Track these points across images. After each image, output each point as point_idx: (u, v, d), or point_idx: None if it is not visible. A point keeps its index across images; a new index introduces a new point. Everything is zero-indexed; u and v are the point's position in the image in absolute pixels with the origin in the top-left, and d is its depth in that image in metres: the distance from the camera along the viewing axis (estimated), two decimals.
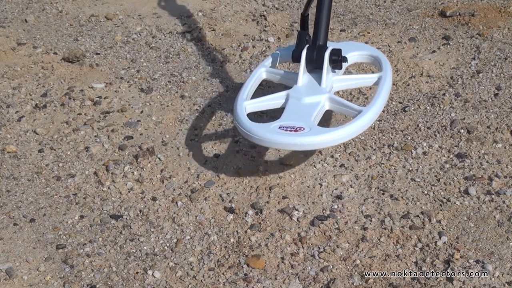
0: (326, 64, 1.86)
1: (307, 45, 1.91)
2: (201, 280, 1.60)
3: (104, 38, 2.67)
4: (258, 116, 2.13)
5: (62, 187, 1.92)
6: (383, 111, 2.14)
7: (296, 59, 1.91)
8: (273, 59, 2.02)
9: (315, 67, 1.90)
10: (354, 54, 2.01)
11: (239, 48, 2.56)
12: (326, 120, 2.10)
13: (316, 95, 1.82)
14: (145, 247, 1.70)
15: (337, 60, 1.88)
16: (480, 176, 1.85)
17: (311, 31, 1.99)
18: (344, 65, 1.95)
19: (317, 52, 1.88)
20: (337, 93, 2.19)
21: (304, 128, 1.71)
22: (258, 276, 1.60)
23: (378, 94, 1.81)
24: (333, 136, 1.69)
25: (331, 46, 1.90)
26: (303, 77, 1.88)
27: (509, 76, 2.26)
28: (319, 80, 1.87)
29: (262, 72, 1.99)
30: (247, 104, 1.85)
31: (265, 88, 2.27)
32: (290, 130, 1.70)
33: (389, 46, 2.48)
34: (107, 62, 2.51)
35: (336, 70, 1.93)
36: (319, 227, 1.72)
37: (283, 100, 1.86)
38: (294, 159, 1.94)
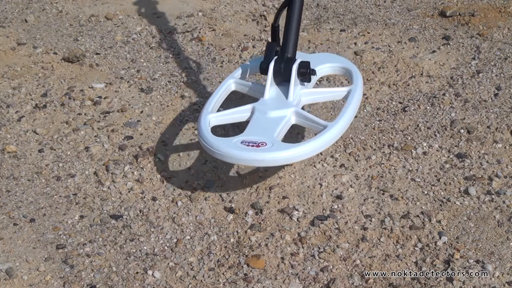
0: (294, 77, 1.81)
1: (275, 57, 1.85)
2: (201, 280, 1.60)
3: (104, 38, 2.67)
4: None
5: (62, 187, 1.92)
6: (383, 111, 2.14)
7: (264, 71, 1.86)
8: (242, 71, 1.97)
9: (283, 80, 1.84)
10: (325, 66, 1.96)
11: (239, 48, 2.55)
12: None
13: (282, 109, 1.77)
14: (145, 247, 1.70)
15: (305, 73, 1.83)
16: (480, 176, 1.85)
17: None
18: (314, 78, 1.90)
19: (285, 64, 1.83)
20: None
21: (266, 144, 1.66)
22: (258, 276, 1.60)
23: (344, 109, 1.76)
24: (295, 152, 1.65)
25: (299, 58, 1.85)
26: (271, 90, 1.83)
27: (509, 76, 2.26)
28: (286, 93, 1.82)
29: (231, 84, 1.93)
30: (211, 117, 1.80)
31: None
32: (252, 146, 1.66)
33: (389, 46, 2.48)
34: (107, 62, 2.51)
35: (306, 83, 1.88)
36: (319, 227, 1.72)
37: (249, 114, 1.80)
38: None
